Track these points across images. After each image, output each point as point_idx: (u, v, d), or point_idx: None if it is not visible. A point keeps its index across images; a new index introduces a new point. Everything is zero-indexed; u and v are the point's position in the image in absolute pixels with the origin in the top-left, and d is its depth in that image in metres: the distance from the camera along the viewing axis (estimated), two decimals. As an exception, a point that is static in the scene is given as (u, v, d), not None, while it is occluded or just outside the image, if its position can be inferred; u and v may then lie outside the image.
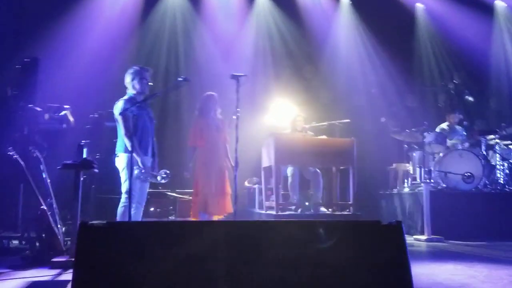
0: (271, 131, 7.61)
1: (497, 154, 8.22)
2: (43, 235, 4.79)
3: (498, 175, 8.22)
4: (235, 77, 5.49)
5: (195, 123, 6.27)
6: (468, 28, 10.68)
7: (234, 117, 5.54)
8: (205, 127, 6.14)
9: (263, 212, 7.53)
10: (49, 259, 4.50)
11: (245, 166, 7.40)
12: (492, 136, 8.32)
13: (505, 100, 11.14)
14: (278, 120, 8.75)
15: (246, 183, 8.98)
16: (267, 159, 7.37)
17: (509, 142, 8.47)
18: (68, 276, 3.99)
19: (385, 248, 2.09)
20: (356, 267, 2.06)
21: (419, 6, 11.37)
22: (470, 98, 9.50)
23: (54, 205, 5.04)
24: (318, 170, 7.46)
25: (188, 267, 2.00)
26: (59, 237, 4.81)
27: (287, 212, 7.14)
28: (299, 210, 7.24)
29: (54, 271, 4.21)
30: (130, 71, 5.19)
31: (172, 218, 7.88)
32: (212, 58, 9.93)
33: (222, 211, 6.05)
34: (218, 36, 10.09)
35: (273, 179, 7.04)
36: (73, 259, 4.24)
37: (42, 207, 4.80)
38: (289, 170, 7.32)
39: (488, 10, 11.20)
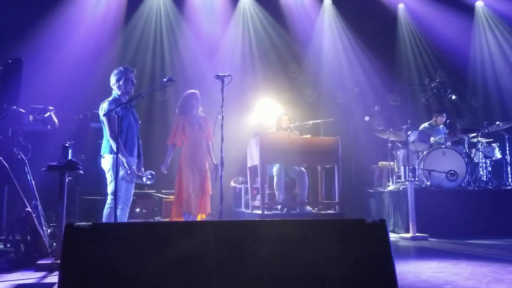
0: (256, 131, 7.63)
1: (480, 152, 8.32)
2: (28, 237, 4.75)
3: (481, 172, 8.33)
4: (220, 77, 5.49)
5: (176, 121, 6.19)
6: (450, 27, 10.83)
7: (219, 116, 5.52)
8: (187, 125, 6.08)
9: (249, 211, 7.55)
10: (34, 261, 4.47)
11: (231, 165, 7.43)
12: (474, 134, 8.42)
13: (487, 99, 11.29)
14: (263, 120, 8.78)
15: (232, 183, 8.99)
16: (253, 159, 7.38)
17: (491, 140, 8.58)
18: (53, 278, 3.98)
19: (369, 246, 2.12)
20: (340, 265, 2.08)
21: (401, 5, 11.47)
22: (453, 97, 9.61)
23: (39, 207, 5.01)
24: (304, 169, 7.50)
25: (177, 268, 2.01)
26: (44, 239, 4.78)
27: (273, 212, 7.17)
28: (285, 210, 7.27)
29: (40, 274, 4.19)
30: (115, 72, 5.17)
31: (158, 218, 7.87)
32: (197, 58, 9.93)
33: (203, 210, 6.01)
34: (202, 36, 10.09)
35: (259, 178, 7.06)
36: (58, 261, 4.24)
37: (27, 209, 4.77)
38: (275, 169, 7.34)
39: (469, 9, 11.35)
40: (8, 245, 4.95)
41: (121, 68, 5.20)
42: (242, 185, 8.52)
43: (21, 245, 4.82)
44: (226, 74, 5.50)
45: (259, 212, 6.96)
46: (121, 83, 5.10)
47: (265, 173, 7.27)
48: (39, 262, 4.44)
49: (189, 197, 5.84)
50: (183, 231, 2.13)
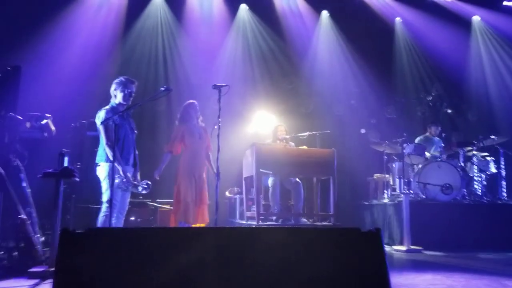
0: (252, 141, 7.64)
1: (475, 166, 8.35)
2: (22, 244, 4.73)
3: (476, 186, 8.35)
4: (217, 87, 5.52)
5: (176, 130, 6.22)
6: (446, 41, 10.91)
7: (216, 126, 5.55)
8: (188, 134, 6.11)
9: (244, 222, 7.53)
10: (27, 269, 4.44)
11: (226, 176, 7.41)
12: (469, 148, 8.45)
13: (482, 113, 11.34)
14: (259, 130, 8.79)
15: (227, 193, 8.98)
16: (248, 169, 7.38)
17: (486, 154, 8.61)
18: (46, 286, 3.97)
19: (364, 255, 2.12)
20: (335, 274, 2.08)
21: (398, 19, 11.56)
22: (449, 110, 9.66)
23: (34, 214, 4.99)
24: (299, 180, 7.50)
25: (175, 275, 2.00)
26: (37, 246, 4.76)
27: (267, 223, 7.16)
28: (280, 221, 7.26)
29: (32, 281, 4.16)
30: (116, 81, 5.19)
31: (153, 228, 7.84)
32: (195, 68, 9.95)
33: (200, 220, 6.01)
34: (201, 47, 10.12)
35: (254, 189, 7.05)
36: (52, 269, 4.22)
37: (21, 216, 4.75)
38: (270, 180, 7.34)
39: (465, 24, 11.45)
40: (1, 252, 4.93)
41: (123, 79, 5.22)
42: (237, 195, 8.51)
43: (14, 252, 4.79)
44: (223, 84, 5.53)
45: (254, 223, 6.94)
46: (119, 92, 5.12)
47: (261, 184, 7.26)
48: (32, 269, 4.41)
49: (187, 206, 5.84)
50: (181, 237, 2.13)
